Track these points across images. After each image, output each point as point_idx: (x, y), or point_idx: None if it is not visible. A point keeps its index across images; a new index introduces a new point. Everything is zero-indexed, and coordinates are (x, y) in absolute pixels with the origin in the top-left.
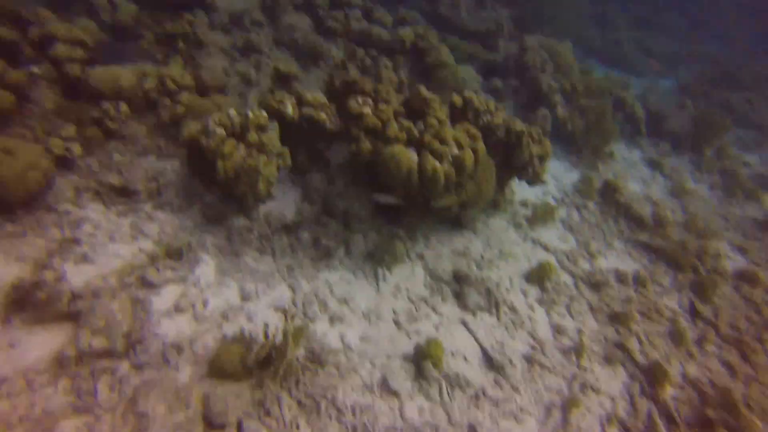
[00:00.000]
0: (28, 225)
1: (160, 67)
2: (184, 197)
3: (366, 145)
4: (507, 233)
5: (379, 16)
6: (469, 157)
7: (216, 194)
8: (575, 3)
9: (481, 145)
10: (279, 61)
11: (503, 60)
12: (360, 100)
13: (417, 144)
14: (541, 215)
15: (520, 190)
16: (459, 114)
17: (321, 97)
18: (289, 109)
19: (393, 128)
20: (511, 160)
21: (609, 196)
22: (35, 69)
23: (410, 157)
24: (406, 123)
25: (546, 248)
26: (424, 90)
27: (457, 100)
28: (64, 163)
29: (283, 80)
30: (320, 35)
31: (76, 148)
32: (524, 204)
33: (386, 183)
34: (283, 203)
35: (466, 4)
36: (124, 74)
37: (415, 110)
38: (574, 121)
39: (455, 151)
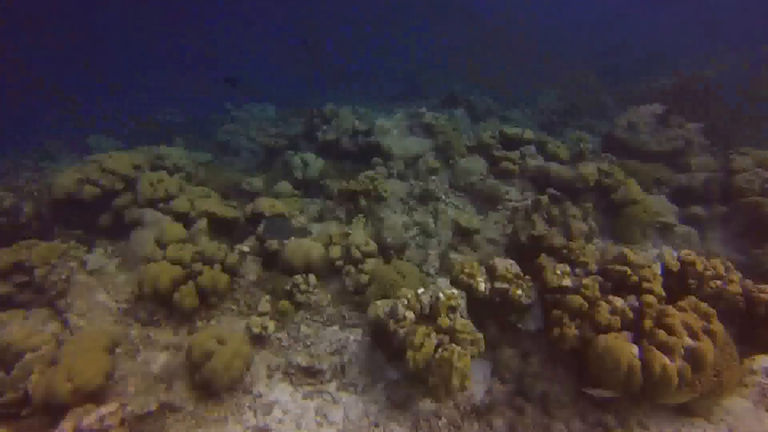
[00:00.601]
0: (230, 409)
1: (344, 229)
2: (367, 375)
3: (571, 330)
4: (760, 422)
5: (553, 150)
6: (708, 349)
7: (400, 371)
8: None
9: (717, 326)
10: (460, 215)
11: (703, 183)
12: (559, 270)
13: (634, 329)
14: None
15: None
16: (675, 281)
17: (513, 268)
18: (481, 286)
19: (604, 313)
20: (761, 338)
21: None
22: (245, 248)
23: (630, 350)
24: (618, 303)
25: None
26: (631, 254)
27: (673, 264)
28: (259, 339)
29: (463, 234)
30: (496, 177)
31: (270, 325)
32: None
33: (599, 377)
34: (472, 380)
35: (647, 123)
36: (315, 248)
37: (619, 276)
38: None
39: (688, 341)
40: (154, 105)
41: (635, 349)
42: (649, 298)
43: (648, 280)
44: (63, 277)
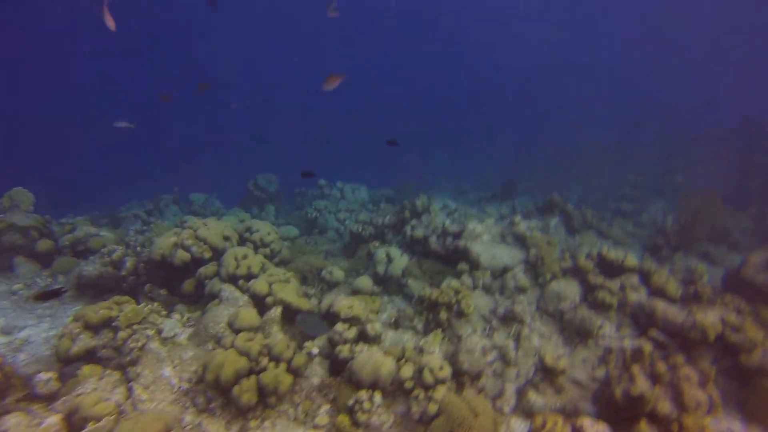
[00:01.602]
0: None
1: (420, 342)
2: None
3: None
4: None
5: (659, 283)
6: None
7: None
8: None
9: None
10: (545, 349)
11: None
12: None
13: None
14: None
15: None
16: None
17: None
18: None
19: None
20: None
21: None
22: (315, 349)
23: None
24: None
25: None
26: None
27: None
28: None
29: (547, 371)
30: (590, 306)
31: None
32: None
33: None
34: None
35: None
36: (385, 364)
37: None
38: None
39: None
40: (254, 171)
41: None
42: None
43: None
44: (139, 344)
